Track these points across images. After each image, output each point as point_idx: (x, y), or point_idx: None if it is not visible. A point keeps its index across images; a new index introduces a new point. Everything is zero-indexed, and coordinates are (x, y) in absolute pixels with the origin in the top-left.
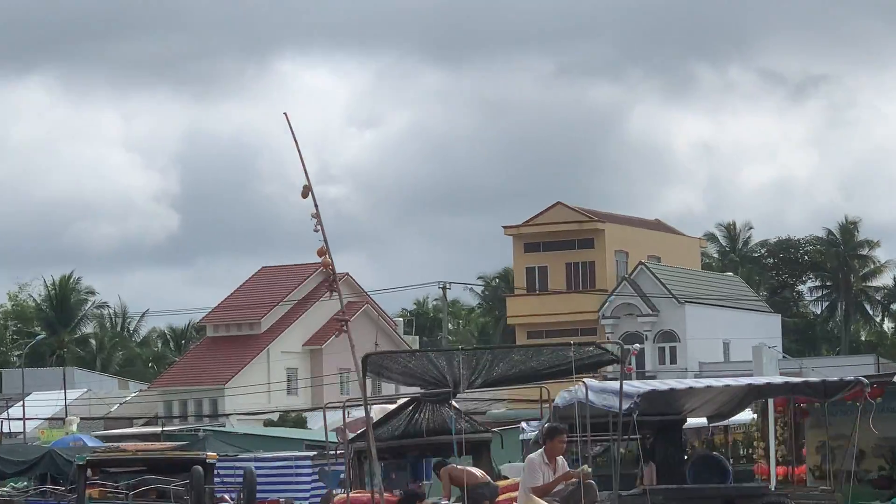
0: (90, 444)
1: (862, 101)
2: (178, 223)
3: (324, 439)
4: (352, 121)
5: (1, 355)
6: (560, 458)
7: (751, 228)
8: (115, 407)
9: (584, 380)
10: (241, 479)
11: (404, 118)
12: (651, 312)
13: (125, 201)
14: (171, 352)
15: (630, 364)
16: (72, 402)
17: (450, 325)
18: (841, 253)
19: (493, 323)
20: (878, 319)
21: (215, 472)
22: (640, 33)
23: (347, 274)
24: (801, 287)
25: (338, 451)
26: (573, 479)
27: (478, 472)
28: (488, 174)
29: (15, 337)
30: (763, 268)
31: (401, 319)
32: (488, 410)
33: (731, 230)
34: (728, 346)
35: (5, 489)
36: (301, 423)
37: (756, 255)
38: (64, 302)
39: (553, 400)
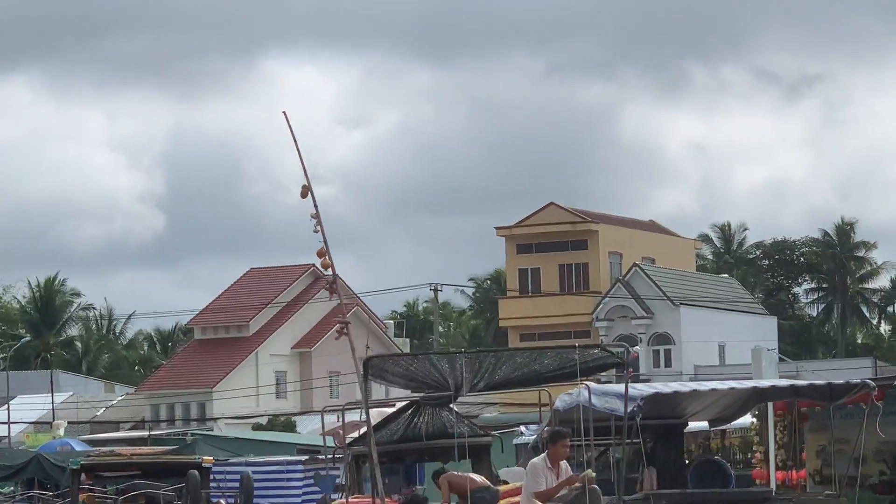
0: (78, 448)
1: (857, 101)
2: (163, 224)
3: (315, 443)
4: (340, 120)
5: None
6: (563, 463)
7: (745, 229)
8: (102, 411)
9: (587, 383)
10: (232, 484)
11: (393, 117)
12: (645, 315)
13: (110, 201)
14: (157, 354)
15: (630, 367)
16: (58, 405)
17: (440, 328)
18: (837, 254)
19: (485, 325)
20: (874, 322)
21: (211, 476)
22: (632, 31)
23: (337, 275)
24: (796, 289)
25: (335, 455)
26: (577, 484)
27: (478, 477)
28: (478, 174)
29: None
30: (758, 270)
31: (391, 322)
32: (480, 415)
33: (725, 231)
34: (724, 348)
35: None
36: (290, 426)
37: (751, 256)
38: (49, 304)
39: (553, 403)
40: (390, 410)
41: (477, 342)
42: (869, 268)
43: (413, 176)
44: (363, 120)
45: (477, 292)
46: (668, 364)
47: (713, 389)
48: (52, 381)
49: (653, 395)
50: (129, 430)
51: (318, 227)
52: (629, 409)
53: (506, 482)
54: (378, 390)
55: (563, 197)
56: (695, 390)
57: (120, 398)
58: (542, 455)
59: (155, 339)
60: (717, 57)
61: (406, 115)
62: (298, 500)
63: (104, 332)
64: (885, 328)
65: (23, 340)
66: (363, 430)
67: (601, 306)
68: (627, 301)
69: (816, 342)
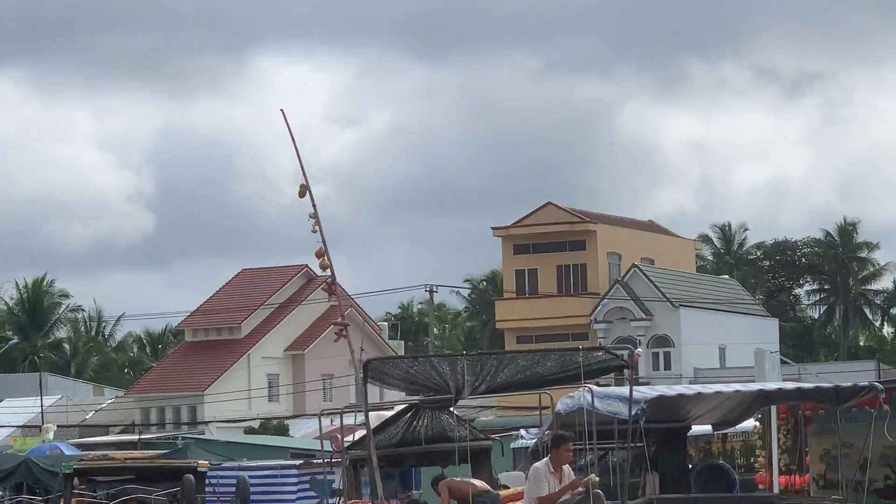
0: (67, 452)
1: (858, 99)
2: (153, 224)
3: (309, 447)
4: (332, 118)
5: None
6: (566, 467)
7: (746, 230)
8: (91, 414)
9: (589, 386)
10: (224, 489)
11: (386, 116)
12: (644, 316)
13: (98, 201)
14: (147, 357)
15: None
16: (46, 408)
17: (435, 330)
18: (839, 255)
19: (481, 327)
20: (877, 324)
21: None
22: (629, 28)
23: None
24: (798, 290)
25: (332, 460)
26: (580, 489)
27: (478, 482)
28: (473, 173)
29: None
30: (759, 270)
31: (385, 324)
32: (476, 418)
33: (725, 232)
34: (724, 351)
35: None
36: (283, 430)
37: (752, 257)
38: (37, 305)
39: (554, 406)
40: (389, 414)
41: (472, 344)
42: (872, 269)
43: (407, 175)
44: (356, 118)
45: (473, 294)
46: (667, 367)
47: (718, 392)
48: (41, 384)
49: (657, 398)
50: (119, 434)
51: (317, 227)
52: (633, 412)
53: (506, 486)
54: (373, 393)
55: (559, 196)
56: (699, 393)
57: (109, 401)
58: (545, 459)
59: (145, 341)
60: (717, 54)
61: (400, 113)
62: None
63: (93, 334)
64: (888, 330)
65: (10, 342)
66: (358, 433)
67: (599, 308)
68: (626, 303)
69: (818, 344)
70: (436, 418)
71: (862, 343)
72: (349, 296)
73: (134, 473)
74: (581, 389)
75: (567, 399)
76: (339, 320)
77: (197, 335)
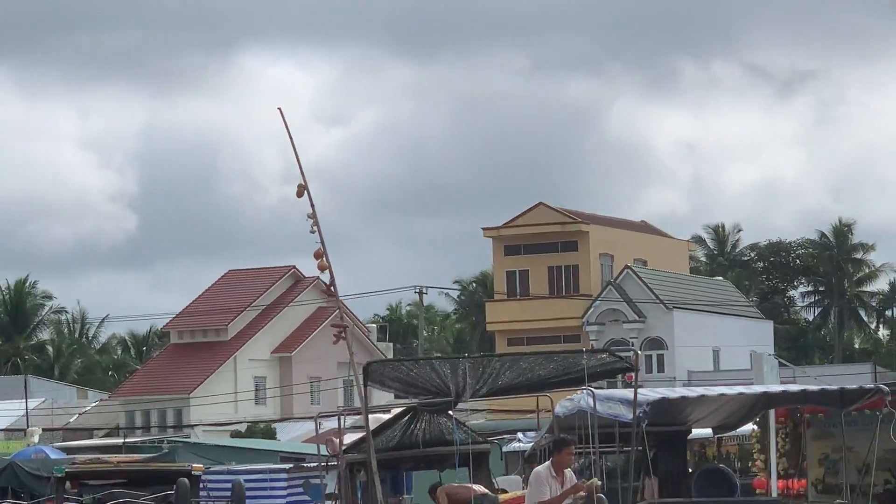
0: (53, 455)
1: (851, 98)
2: (136, 224)
3: (299, 451)
4: (318, 117)
5: None
6: (568, 471)
7: (740, 231)
8: (74, 417)
9: (591, 388)
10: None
11: (373, 115)
12: (637, 319)
13: (81, 201)
14: (132, 359)
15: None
16: (30, 411)
17: (424, 332)
18: (834, 256)
19: (470, 329)
20: (872, 326)
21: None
22: (619, 25)
23: (318, 278)
24: (792, 292)
25: (328, 464)
26: (582, 493)
27: (477, 486)
28: (462, 173)
29: None
30: (753, 272)
31: (373, 326)
32: (467, 421)
33: (719, 233)
34: (718, 353)
35: None
36: (270, 434)
37: (745, 258)
38: (19, 307)
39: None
40: (386, 417)
41: (462, 347)
42: (867, 270)
43: (395, 175)
44: (343, 117)
45: (462, 295)
46: (660, 370)
47: (721, 394)
48: (26, 386)
49: (659, 401)
50: (103, 437)
51: (315, 228)
52: (633, 416)
53: (504, 491)
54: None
55: (549, 196)
56: (703, 395)
57: (93, 404)
58: (546, 463)
59: (129, 343)
60: (708, 52)
61: (387, 112)
62: None
63: (77, 335)
64: (883, 333)
65: None
66: (347, 437)
67: (592, 310)
68: (619, 304)
69: (813, 347)
70: (433, 421)
71: (857, 346)
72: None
73: (127, 477)
74: (580, 392)
75: (566, 402)
76: (338, 322)
77: (183, 337)
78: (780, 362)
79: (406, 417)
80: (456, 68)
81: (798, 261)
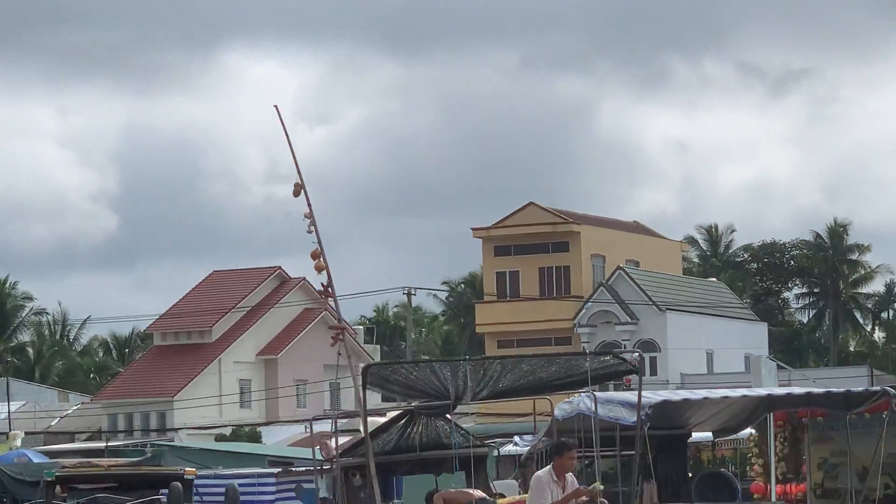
0: (36, 459)
1: (845, 97)
2: (116, 224)
3: (286, 455)
4: (303, 116)
5: None
6: (569, 476)
7: (733, 231)
8: (56, 421)
9: (593, 391)
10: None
11: (359, 113)
12: (630, 320)
13: (60, 201)
14: (114, 361)
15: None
16: (11, 414)
17: (412, 334)
18: (829, 257)
19: (458, 331)
20: (868, 328)
21: (194, 489)
22: (609, 23)
23: (304, 279)
24: (786, 294)
25: (323, 468)
26: (584, 498)
27: (474, 491)
28: (450, 173)
29: None
30: (746, 273)
31: (360, 328)
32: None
33: (712, 233)
34: (712, 356)
35: None
36: (255, 437)
37: (739, 259)
38: None
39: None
40: (382, 420)
41: (450, 349)
42: (863, 271)
43: (381, 174)
44: (328, 116)
45: (450, 296)
46: (653, 372)
47: (725, 397)
48: (7, 389)
49: (661, 403)
50: (85, 440)
51: (312, 228)
52: (635, 419)
53: (502, 496)
54: (348, 398)
55: (539, 196)
56: (706, 398)
57: (75, 407)
58: (547, 468)
59: (111, 345)
60: (699, 50)
61: (373, 110)
62: None
63: (58, 337)
64: (879, 335)
65: None
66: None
67: (583, 312)
68: (611, 306)
69: (807, 350)
70: (431, 425)
71: (852, 348)
72: (324, 297)
73: (118, 481)
74: (579, 394)
75: (565, 404)
76: (336, 324)
77: (166, 339)
78: (779, 365)
79: (402, 421)
80: (443, 66)
81: (792, 262)
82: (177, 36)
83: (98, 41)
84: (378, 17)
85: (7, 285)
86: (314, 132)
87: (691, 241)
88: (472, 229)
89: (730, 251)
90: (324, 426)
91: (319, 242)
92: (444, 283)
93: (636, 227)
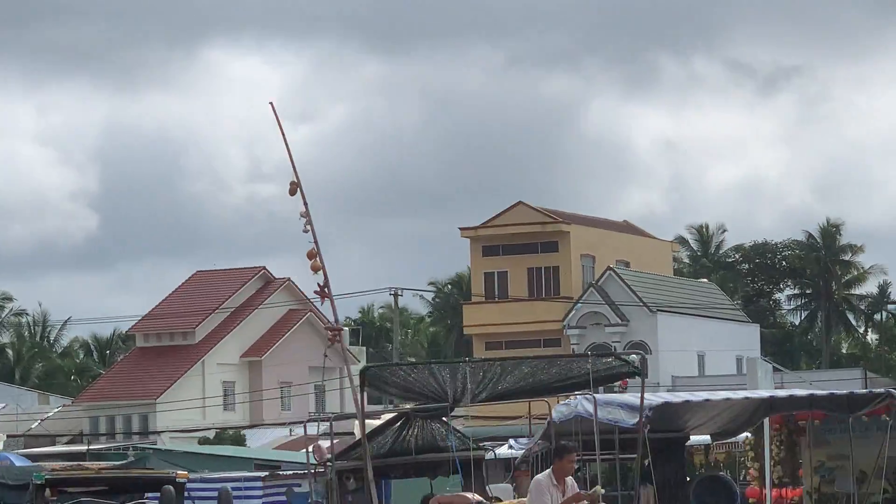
0: (18, 463)
1: (836, 95)
2: (97, 223)
3: (271, 458)
4: (285, 114)
5: None
6: (569, 479)
7: (724, 231)
8: (36, 424)
9: (592, 393)
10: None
11: (343, 111)
12: (620, 322)
13: (39, 200)
14: (95, 363)
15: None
16: None
17: (398, 336)
18: (821, 258)
19: (445, 332)
20: (860, 330)
21: (186, 493)
22: (597, 21)
23: (289, 279)
24: (778, 295)
25: (317, 471)
26: (584, 502)
27: (470, 495)
28: (437, 172)
29: None
30: (738, 274)
31: (346, 329)
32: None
33: (703, 233)
34: (703, 358)
35: None
36: (239, 440)
37: (730, 260)
38: None
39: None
40: (377, 423)
41: (436, 351)
42: (855, 272)
43: (366, 173)
44: (311, 114)
45: (437, 297)
46: (644, 375)
47: (727, 399)
48: None
49: (662, 405)
50: (67, 444)
51: (308, 227)
52: (635, 421)
53: (499, 499)
54: (333, 401)
55: (526, 195)
56: (707, 399)
57: (56, 410)
58: (547, 471)
59: (92, 346)
60: (689, 48)
61: (357, 108)
62: None
63: (37, 339)
64: (871, 337)
65: None
66: (326, 444)
67: (573, 313)
68: (601, 307)
69: (799, 351)
70: (426, 427)
71: (845, 350)
72: (308, 298)
73: (109, 484)
74: (576, 396)
75: (562, 407)
76: (333, 325)
77: (148, 340)
78: (775, 367)
79: (398, 423)
80: (429, 63)
81: (784, 262)
82: (158, 33)
83: (77, 38)
84: (362, 14)
85: None
86: (297, 130)
87: (682, 241)
88: (460, 229)
89: (721, 252)
90: (300, 429)
91: (316, 242)
92: (431, 283)
93: (626, 227)
